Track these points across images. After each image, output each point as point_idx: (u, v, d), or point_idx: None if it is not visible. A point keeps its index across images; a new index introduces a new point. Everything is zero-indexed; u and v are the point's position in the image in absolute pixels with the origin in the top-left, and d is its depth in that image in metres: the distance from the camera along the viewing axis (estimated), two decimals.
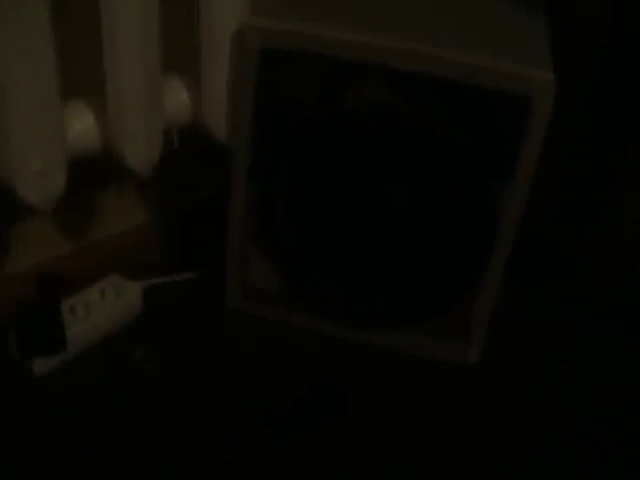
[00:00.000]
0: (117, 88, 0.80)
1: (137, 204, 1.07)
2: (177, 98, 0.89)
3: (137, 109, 0.82)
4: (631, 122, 1.07)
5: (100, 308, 0.94)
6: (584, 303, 1.11)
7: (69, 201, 0.87)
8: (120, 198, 1.04)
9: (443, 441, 0.88)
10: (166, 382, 0.90)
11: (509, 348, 1.02)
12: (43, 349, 0.88)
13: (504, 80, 0.78)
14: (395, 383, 0.95)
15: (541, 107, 0.79)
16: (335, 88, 0.83)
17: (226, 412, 0.88)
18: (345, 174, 0.90)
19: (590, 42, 1.09)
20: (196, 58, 0.88)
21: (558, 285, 1.14)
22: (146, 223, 1.09)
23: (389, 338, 0.99)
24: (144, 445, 0.83)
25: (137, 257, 1.05)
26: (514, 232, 0.88)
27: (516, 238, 0.89)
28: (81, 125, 0.82)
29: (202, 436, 0.84)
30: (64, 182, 0.81)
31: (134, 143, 0.84)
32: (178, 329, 0.98)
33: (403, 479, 0.83)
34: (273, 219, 0.93)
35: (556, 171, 1.12)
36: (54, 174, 0.79)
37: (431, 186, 0.88)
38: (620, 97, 1.09)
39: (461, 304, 0.94)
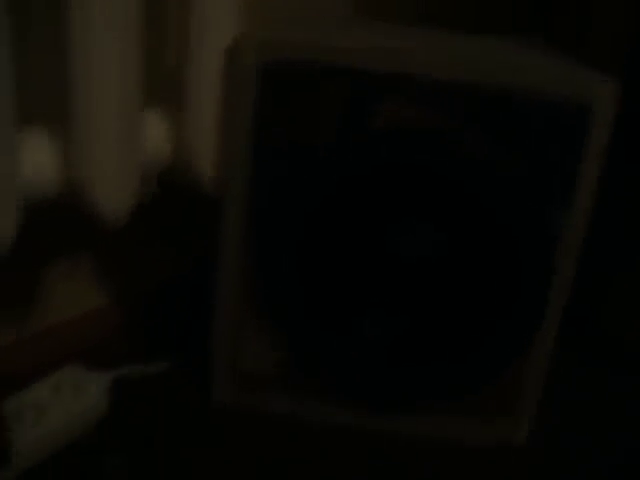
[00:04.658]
0: (86, 112, 0.64)
1: (96, 281, 0.88)
2: (157, 133, 0.73)
3: (110, 137, 0.66)
4: None
5: (55, 409, 0.75)
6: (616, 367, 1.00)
7: (9, 278, 0.70)
8: (73, 275, 0.85)
9: None
10: None
11: (552, 423, 0.87)
12: None
13: (559, 87, 0.66)
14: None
15: (603, 115, 0.67)
16: (357, 108, 0.69)
17: None
18: (369, 218, 0.74)
19: None
20: (181, 87, 0.73)
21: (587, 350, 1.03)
22: (108, 304, 0.91)
23: (419, 424, 0.81)
24: None
25: (99, 346, 0.87)
26: (572, 276, 0.74)
27: None
28: (39, 157, 0.64)
29: None
30: (13, 230, 0.62)
31: (105, 180, 0.67)
32: (154, 431, 0.78)
33: None
34: (278, 282, 0.76)
35: None
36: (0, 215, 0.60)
37: (474, 226, 0.73)
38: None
39: (507, 374, 0.78)
